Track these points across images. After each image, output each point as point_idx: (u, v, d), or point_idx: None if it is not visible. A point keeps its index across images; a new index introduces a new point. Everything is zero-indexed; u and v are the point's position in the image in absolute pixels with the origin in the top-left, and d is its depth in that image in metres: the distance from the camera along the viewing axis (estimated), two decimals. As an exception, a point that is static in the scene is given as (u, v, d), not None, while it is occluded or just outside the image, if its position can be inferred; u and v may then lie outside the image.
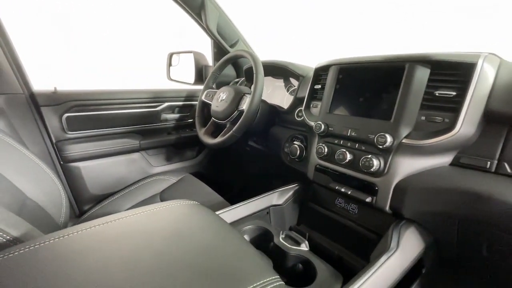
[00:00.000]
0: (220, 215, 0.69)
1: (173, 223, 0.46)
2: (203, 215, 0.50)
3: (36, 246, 0.40)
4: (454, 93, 0.55)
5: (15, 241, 0.46)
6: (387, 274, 0.50)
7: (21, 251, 0.39)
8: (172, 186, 1.13)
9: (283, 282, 0.37)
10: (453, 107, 0.55)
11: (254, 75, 0.88)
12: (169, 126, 1.33)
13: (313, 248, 0.74)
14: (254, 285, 0.34)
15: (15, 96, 0.91)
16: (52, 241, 0.41)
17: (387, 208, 0.63)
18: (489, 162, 0.54)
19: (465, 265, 0.66)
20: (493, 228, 0.54)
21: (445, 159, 0.59)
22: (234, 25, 1.26)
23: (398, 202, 0.61)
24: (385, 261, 0.52)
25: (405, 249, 0.56)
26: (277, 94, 1.20)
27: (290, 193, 0.84)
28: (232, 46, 1.28)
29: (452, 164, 0.59)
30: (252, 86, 0.89)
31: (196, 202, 0.57)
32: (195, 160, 1.42)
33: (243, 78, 1.29)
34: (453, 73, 0.56)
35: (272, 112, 1.06)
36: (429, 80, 0.58)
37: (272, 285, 0.35)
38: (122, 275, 0.34)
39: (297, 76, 1.00)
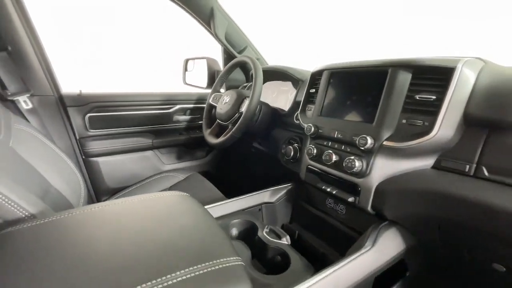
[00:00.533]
0: (212, 208, 0.74)
1: (158, 209, 0.52)
2: (188, 204, 0.56)
3: (45, 221, 0.48)
4: (434, 97, 0.56)
5: (32, 217, 0.55)
6: (355, 270, 0.52)
7: (32, 224, 0.47)
8: (180, 182, 1.21)
9: (242, 263, 0.41)
10: (432, 110, 0.56)
11: (253, 79, 0.93)
12: (181, 127, 1.42)
13: (301, 245, 0.77)
14: (214, 261, 0.38)
15: (46, 98, 1.04)
16: (58, 217, 0.49)
17: (369, 208, 0.64)
18: (468, 166, 0.54)
19: (450, 270, 0.65)
20: (472, 232, 0.54)
21: (427, 162, 0.60)
22: (243, 32, 1.32)
23: (379, 203, 0.63)
24: (356, 257, 0.54)
25: (380, 248, 0.57)
26: (281, 98, 1.24)
27: (283, 192, 0.87)
28: (240, 52, 1.35)
29: (434, 167, 0.60)
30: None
31: (187, 194, 0.63)
32: (204, 159, 1.50)
33: (251, 83, 1.35)
34: (433, 78, 0.57)
35: (274, 115, 1.10)
36: (411, 84, 0.60)
37: (231, 264, 0.39)
38: (108, 243, 0.41)
39: (297, 81, 1.03)
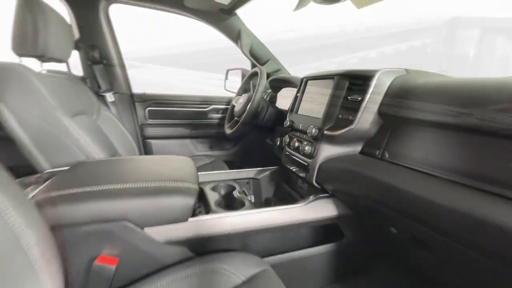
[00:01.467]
0: (209, 175, 1.04)
1: (165, 160, 0.84)
2: (185, 162, 0.86)
3: (104, 159, 0.85)
4: (359, 98, 0.74)
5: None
6: (281, 215, 0.73)
7: (98, 160, 0.84)
8: (205, 164, 1.55)
9: (197, 189, 0.68)
10: (356, 108, 0.74)
11: (256, 85, 1.20)
12: (213, 123, 1.78)
13: None
14: (179, 182, 0.67)
15: (122, 95, 1.52)
16: (111, 159, 0.86)
17: (314, 182, 0.84)
18: (378, 151, 0.70)
19: (376, 237, 0.79)
20: (376, 204, 0.69)
21: (356, 148, 0.77)
22: (267, 48, 1.61)
23: (320, 178, 0.82)
24: (286, 208, 0.75)
25: (310, 207, 0.77)
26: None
27: (267, 172, 1.11)
28: (263, 64, 1.64)
29: (360, 152, 0.76)
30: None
31: (190, 158, 0.94)
32: (230, 151, 1.82)
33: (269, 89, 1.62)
34: (360, 84, 0.75)
35: (278, 114, 1.35)
36: (347, 88, 0.79)
37: (189, 186, 0.67)
38: (131, 167, 0.75)
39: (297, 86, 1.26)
